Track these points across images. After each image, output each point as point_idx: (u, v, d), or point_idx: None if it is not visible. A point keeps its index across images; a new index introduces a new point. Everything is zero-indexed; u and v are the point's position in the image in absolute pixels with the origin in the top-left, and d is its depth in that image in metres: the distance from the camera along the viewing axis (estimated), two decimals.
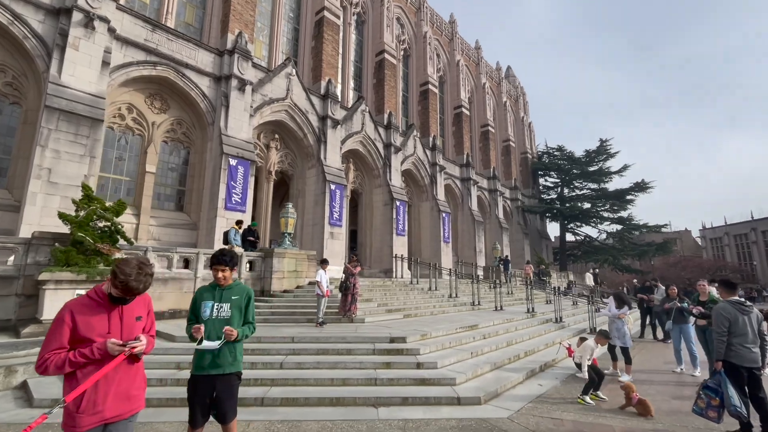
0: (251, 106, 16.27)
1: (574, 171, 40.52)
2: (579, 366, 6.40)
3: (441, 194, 26.44)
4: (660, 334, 11.09)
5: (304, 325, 8.46)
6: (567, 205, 39.17)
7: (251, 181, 15.46)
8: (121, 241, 8.67)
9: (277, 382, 5.34)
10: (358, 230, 23.07)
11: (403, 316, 10.01)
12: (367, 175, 22.84)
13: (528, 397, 5.41)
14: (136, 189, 14.23)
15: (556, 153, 42.24)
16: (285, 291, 11.21)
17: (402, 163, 23.78)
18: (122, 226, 8.25)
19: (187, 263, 10.12)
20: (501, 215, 33.38)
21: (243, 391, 5.02)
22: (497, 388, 5.48)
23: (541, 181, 44.09)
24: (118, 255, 8.24)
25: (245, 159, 15.30)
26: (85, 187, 8.28)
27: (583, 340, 6.51)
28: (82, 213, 7.86)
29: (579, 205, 39.14)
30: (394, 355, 6.37)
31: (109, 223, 7.94)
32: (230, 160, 14.84)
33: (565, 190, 42.11)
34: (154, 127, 14.73)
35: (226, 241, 11.35)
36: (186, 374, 5.60)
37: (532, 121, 44.61)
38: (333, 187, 18.52)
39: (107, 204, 8.37)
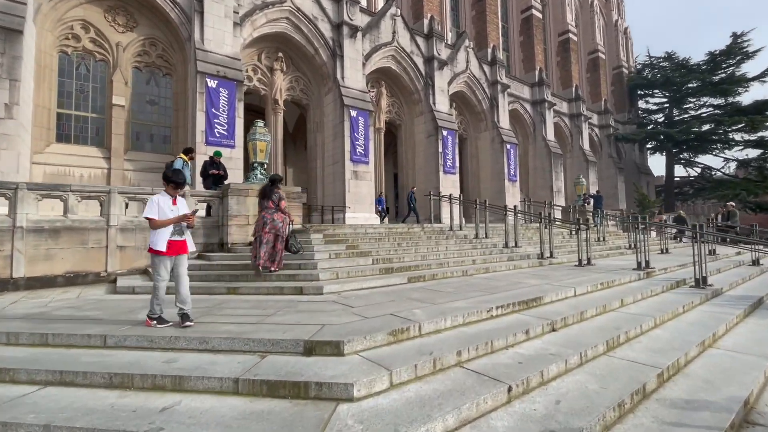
0: (235, 12, 12.31)
1: (690, 84, 30.41)
2: None
3: (505, 121, 20.59)
4: None
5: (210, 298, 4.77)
6: (678, 128, 29.84)
7: (239, 107, 11.85)
8: None
9: None
10: (398, 172, 18.75)
11: (406, 279, 5.77)
12: (405, 102, 18.02)
13: None
14: (106, 127, 11.53)
15: (663, 63, 32.08)
16: (252, 243, 7.64)
17: (450, 82, 18.36)
18: None
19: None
20: (587, 146, 26.18)
21: None
22: None
23: (641, 104, 34.49)
24: None
25: (229, 79, 11.63)
26: None
27: None
28: None
29: (695, 129, 29.54)
30: (274, 398, 2.33)
31: None
32: (208, 80, 11.30)
33: (675, 112, 32.33)
34: (119, 49, 11.63)
35: None
36: None
37: (628, 26, 34.35)
38: (354, 113, 14.23)
39: None
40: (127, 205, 7.10)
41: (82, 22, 11.16)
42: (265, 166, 8.47)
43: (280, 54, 14.27)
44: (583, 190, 18.11)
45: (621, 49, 32.31)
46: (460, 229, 10.73)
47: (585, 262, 7.92)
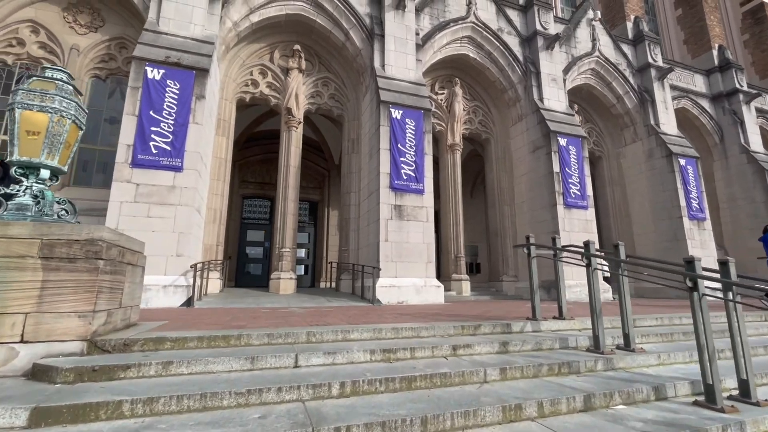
0: None
1: None
2: None
3: (670, 124, 12.26)
4: None
5: None
6: None
7: (199, 107, 7.24)
8: None
9: None
10: (487, 207, 11.92)
11: None
12: (493, 105, 11.62)
13: None
14: None
15: None
16: None
17: (568, 70, 11.40)
18: None
19: None
20: None
21: None
22: None
23: None
24: None
25: (183, 67, 7.23)
26: None
27: None
28: None
29: None
30: None
31: None
32: (148, 69, 7.05)
33: None
34: (73, 54, 8.49)
35: None
36: None
37: None
38: (397, 114, 8.47)
39: None
40: None
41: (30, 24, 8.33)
42: (58, 177, 3.14)
43: (297, 47, 9.72)
44: None
45: None
46: (629, 347, 3.51)
47: None
